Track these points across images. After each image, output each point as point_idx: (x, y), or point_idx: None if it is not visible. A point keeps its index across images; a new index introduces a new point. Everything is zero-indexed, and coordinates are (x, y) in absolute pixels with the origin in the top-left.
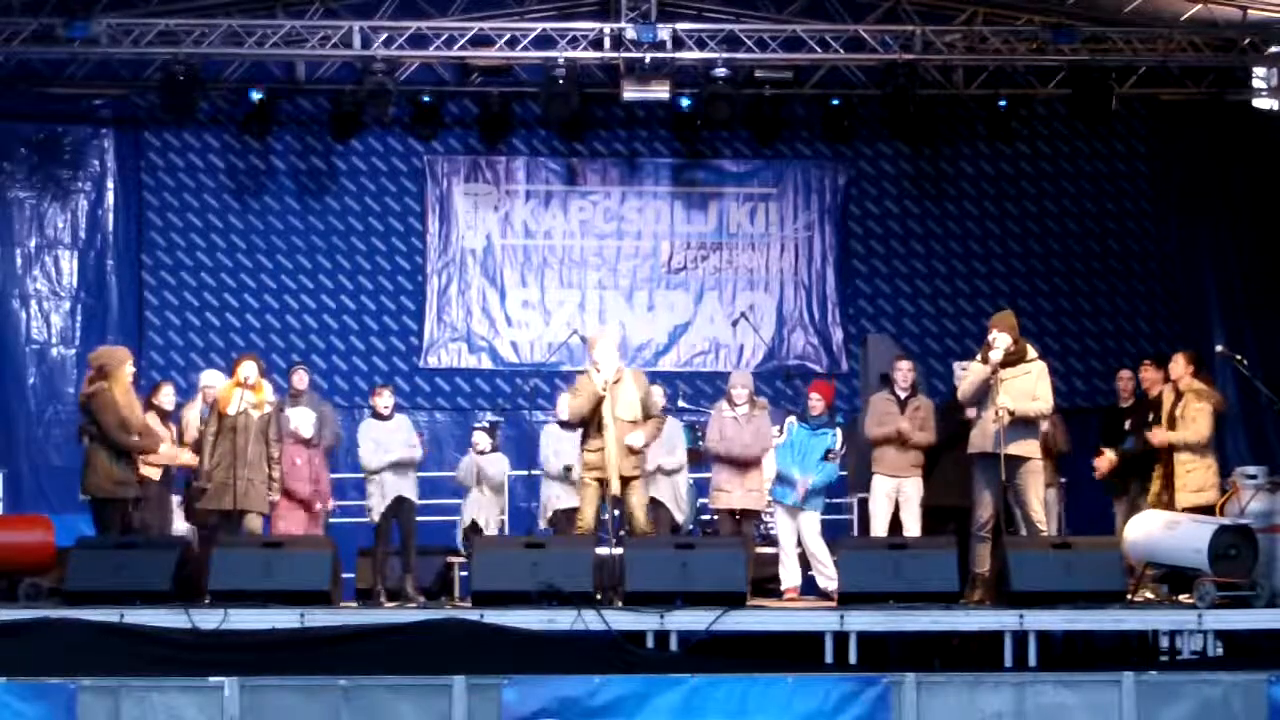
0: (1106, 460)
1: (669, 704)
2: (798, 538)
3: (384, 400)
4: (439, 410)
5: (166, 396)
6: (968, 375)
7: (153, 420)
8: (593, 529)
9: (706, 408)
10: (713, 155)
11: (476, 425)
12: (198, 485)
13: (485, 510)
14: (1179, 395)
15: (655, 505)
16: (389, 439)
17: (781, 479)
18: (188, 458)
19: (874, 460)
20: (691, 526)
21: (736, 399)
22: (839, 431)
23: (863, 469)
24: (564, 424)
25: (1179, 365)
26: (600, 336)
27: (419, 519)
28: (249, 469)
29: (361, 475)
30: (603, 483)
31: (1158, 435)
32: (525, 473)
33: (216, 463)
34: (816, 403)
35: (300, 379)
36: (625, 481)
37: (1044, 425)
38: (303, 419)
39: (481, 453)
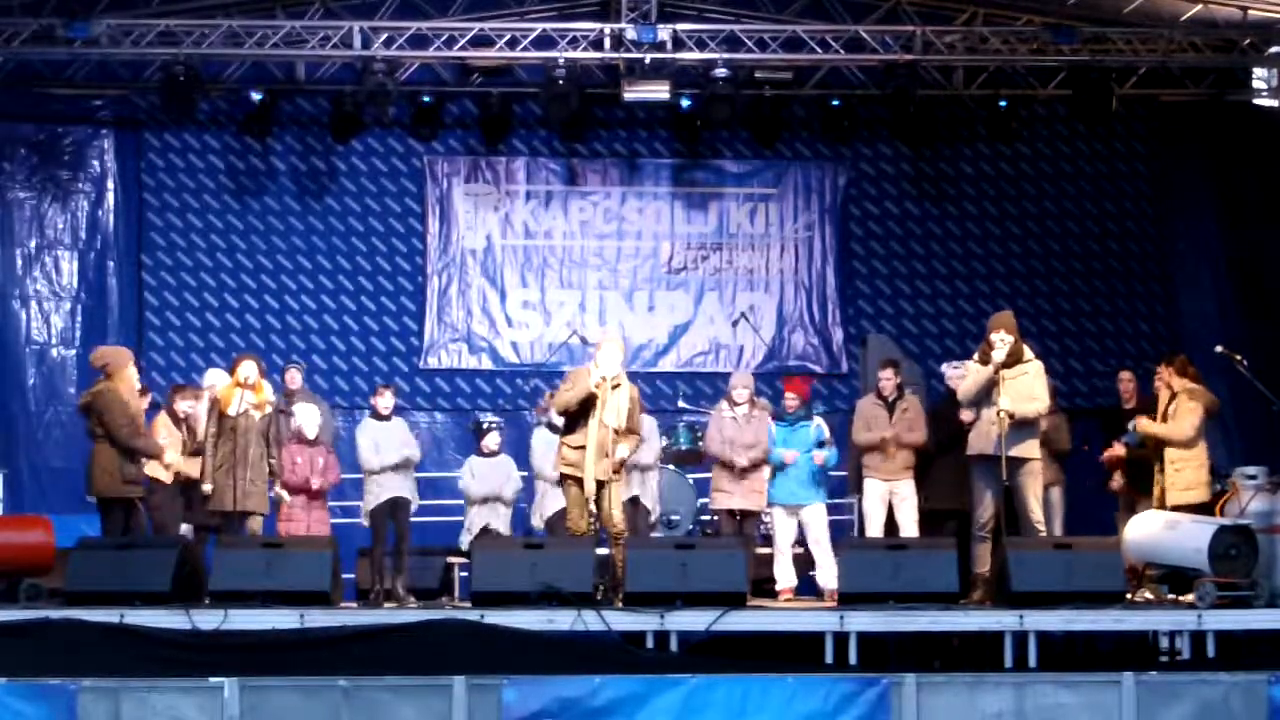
0: (1115, 454)
1: (669, 704)
2: (795, 538)
3: (385, 401)
4: (439, 411)
5: (185, 403)
6: (969, 376)
7: (166, 423)
8: (584, 530)
9: (706, 408)
10: (713, 155)
11: (492, 425)
12: (201, 487)
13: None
14: (1172, 395)
15: (632, 502)
16: (386, 440)
17: (773, 470)
18: (189, 467)
19: (865, 464)
20: (692, 526)
21: (737, 399)
22: (819, 420)
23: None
24: (551, 426)
25: (1161, 370)
26: (608, 339)
27: (420, 519)
28: (250, 470)
29: (361, 475)
30: (578, 481)
31: (1142, 422)
32: (523, 474)
33: (219, 464)
34: (791, 401)
35: (293, 378)
36: (601, 484)
37: (1043, 424)
38: (307, 417)
39: (493, 454)
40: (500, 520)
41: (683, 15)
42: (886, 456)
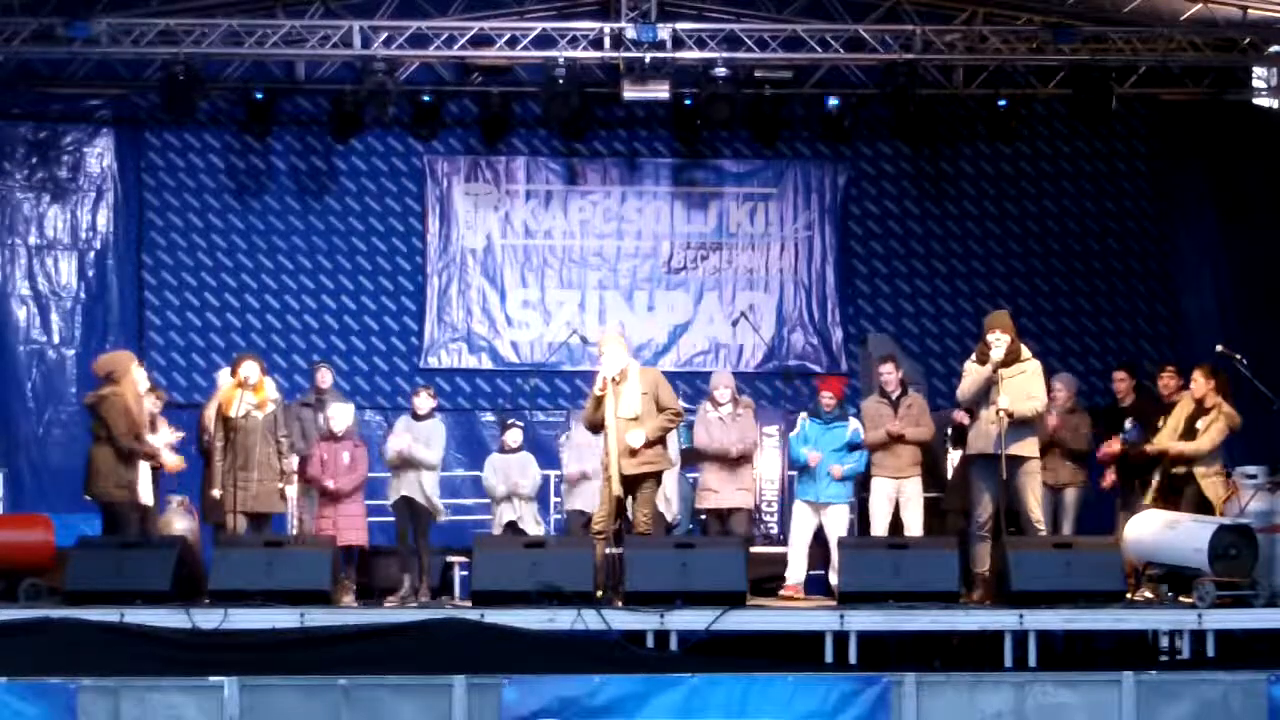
0: (1111, 450)
1: (669, 704)
2: (814, 533)
3: (421, 401)
4: (439, 411)
5: (152, 405)
6: (966, 376)
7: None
8: (605, 531)
9: None
10: (713, 155)
11: (515, 422)
12: (211, 492)
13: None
14: (1200, 409)
15: None
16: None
17: (799, 469)
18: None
19: (873, 463)
20: (691, 526)
21: (720, 399)
22: (856, 423)
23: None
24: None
25: (1200, 382)
26: (606, 340)
27: None
28: (259, 469)
29: (384, 474)
30: (610, 482)
31: (1166, 444)
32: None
33: (227, 466)
34: (829, 399)
35: (324, 377)
36: (634, 480)
37: (1052, 423)
38: (340, 414)
39: (513, 450)
40: (526, 516)
41: (683, 14)
42: (899, 451)
